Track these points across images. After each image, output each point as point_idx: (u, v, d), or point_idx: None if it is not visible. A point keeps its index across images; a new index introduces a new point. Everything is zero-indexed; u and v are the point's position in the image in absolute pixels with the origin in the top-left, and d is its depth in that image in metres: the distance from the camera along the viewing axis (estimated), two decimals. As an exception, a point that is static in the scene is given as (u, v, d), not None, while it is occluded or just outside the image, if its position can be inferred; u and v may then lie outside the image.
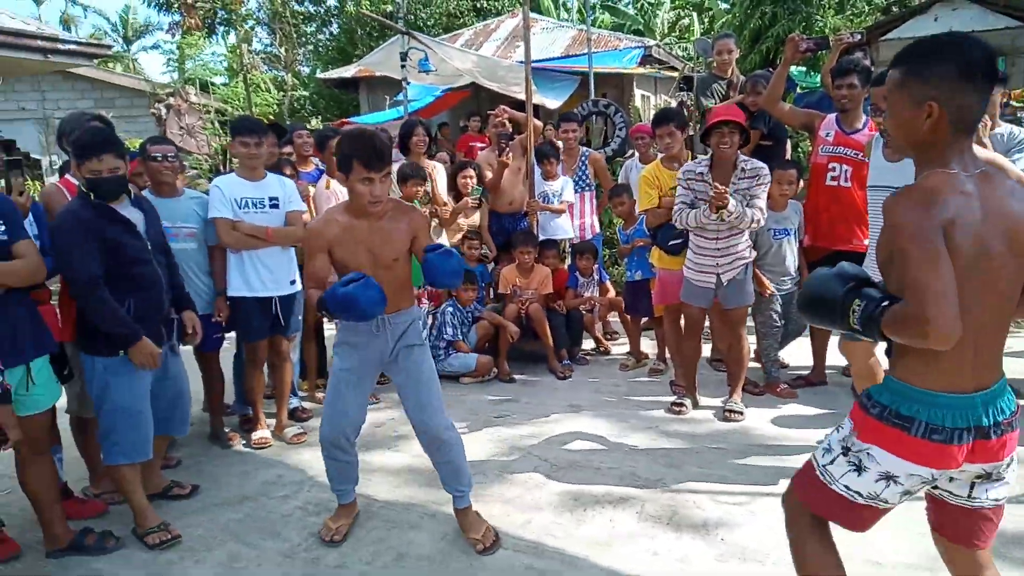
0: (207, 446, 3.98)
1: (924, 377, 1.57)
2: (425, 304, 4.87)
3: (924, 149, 1.59)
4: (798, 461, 3.34)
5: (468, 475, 2.87)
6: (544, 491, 3.25)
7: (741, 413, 3.98)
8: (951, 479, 1.67)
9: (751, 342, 4.26)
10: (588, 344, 5.57)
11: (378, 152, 2.53)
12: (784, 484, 3.10)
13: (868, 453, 1.65)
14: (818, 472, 1.76)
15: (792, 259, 4.28)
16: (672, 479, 3.30)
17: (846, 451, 1.70)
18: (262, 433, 3.92)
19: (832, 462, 1.72)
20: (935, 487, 1.71)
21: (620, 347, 5.61)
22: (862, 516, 1.71)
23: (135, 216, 2.92)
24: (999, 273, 1.53)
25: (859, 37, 5.08)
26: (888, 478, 1.62)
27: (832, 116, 4.24)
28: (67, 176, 3.33)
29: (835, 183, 4.16)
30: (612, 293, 5.62)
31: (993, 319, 1.57)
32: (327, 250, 2.64)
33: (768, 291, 4.20)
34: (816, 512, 1.79)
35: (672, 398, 4.24)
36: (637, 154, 5.77)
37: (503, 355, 5.04)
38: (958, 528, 1.72)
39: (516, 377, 4.98)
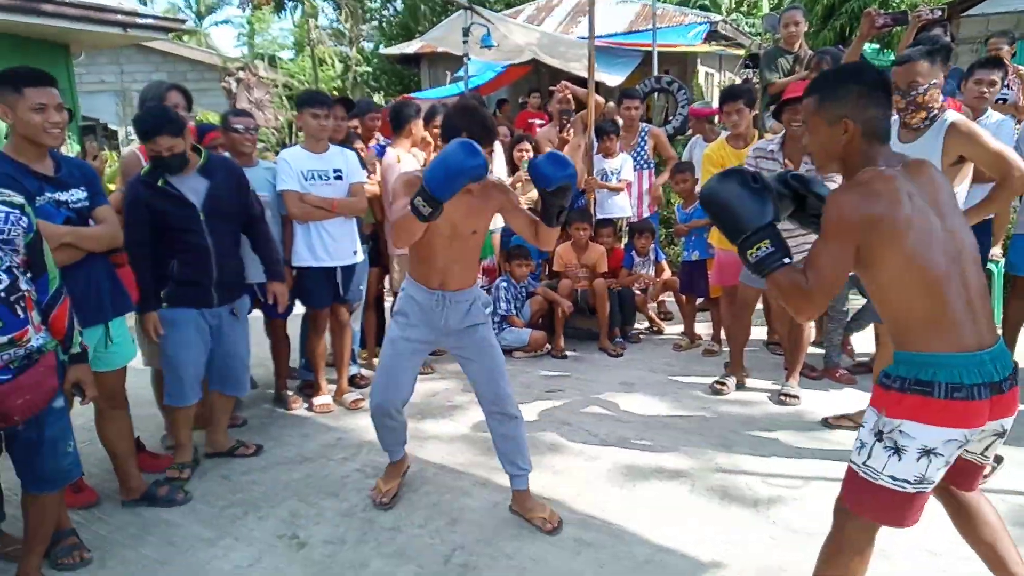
0: (272, 408, 4.14)
1: (933, 342, 1.68)
2: (480, 279, 4.93)
3: (846, 160, 1.82)
4: (849, 445, 3.31)
5: (528, 456, 2.87)
6: (594, 465, 3.28)
7: (797, 397, 3.93)
8: (974, 442, 1.75)
9: (811, 326, 4.18)
10: (642, 324, 5.55)
11: (488, 128, 2.57)
12: (835, 469, 3.09)
13: (900, 430, 1.68)
14: (860, 473, 1.77)
15: None
16: (723, 459, 3.29)
17: (880, 436, 1.72)
18: (324, 399, 4.05)
19: (870, 456, 1.75)
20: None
21: (674, 327, 5.57)
22: (913, 506, 1.73)
23: (198, 186, 3.07)
24: (956, 239, 1.72)
25: (939, 14, 4.86)
26: (927, 452, 1.66)
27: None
28: None
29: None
30: (668, 273, 5.57)
31: (972, 280, 1.72)
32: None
33: None
34: (867, 516, 1.80)
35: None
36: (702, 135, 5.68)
37: (559, 331, 5.07)
38: (963, 477, 1.86)
39: (568, 353, 5.01)
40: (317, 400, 4.04)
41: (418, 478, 3.20)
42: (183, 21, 9.39)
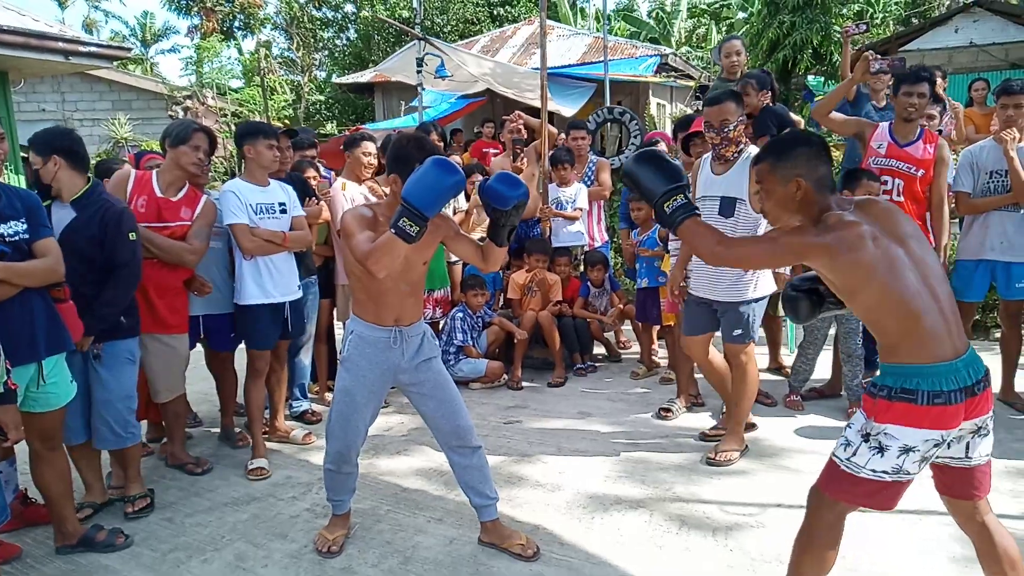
0: (219, 446, 3.99)
1: (916, 355, 1.86)
2: (428, 311, 4.87)
3: (802, 213, 2.03)
4: (807, 471, 3.35)
5: (493, 484, 2.82)
6: (553, 498, 3.24)
7: (753, 425, 3.95)
8: (953, 442, 1.90)
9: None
10: (600, 350, 5.56)
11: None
12: (793, 494, 3.10)
13: (886, 433, 1.86)
14: (843, 467, 1.94)
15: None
16: (681, 488, 3.28)
17: (867, 437, 1.90)
18: (260, 462, 3.62)
19: (855, 453, 1.91)
20: (938, 457, 1.93)
21: (632, 355, 5.59)
22: (890, 493, 1.90)
23: (65, 216, 2.95)
24: (922, 259, 1.92)
25: (864, 28, 5.03)
26: (907, 450, 1.84)
27: (884, 126, 4.03)
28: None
29: (886, 197, 3.89)
30: (622, 303, 5.60)
31: (941, 295, 1.91)
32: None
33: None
34: (846, 501, 1.96)
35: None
36: None
37: (517, 362, 5.03)
38: (961, 486, 1.98)
39: (525, 384, 4.97)
40: (253, 463, 3.61)
41: (371, 516, 3.10)
42: (128, 49, 9.17)
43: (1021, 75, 9.03)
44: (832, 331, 4.24)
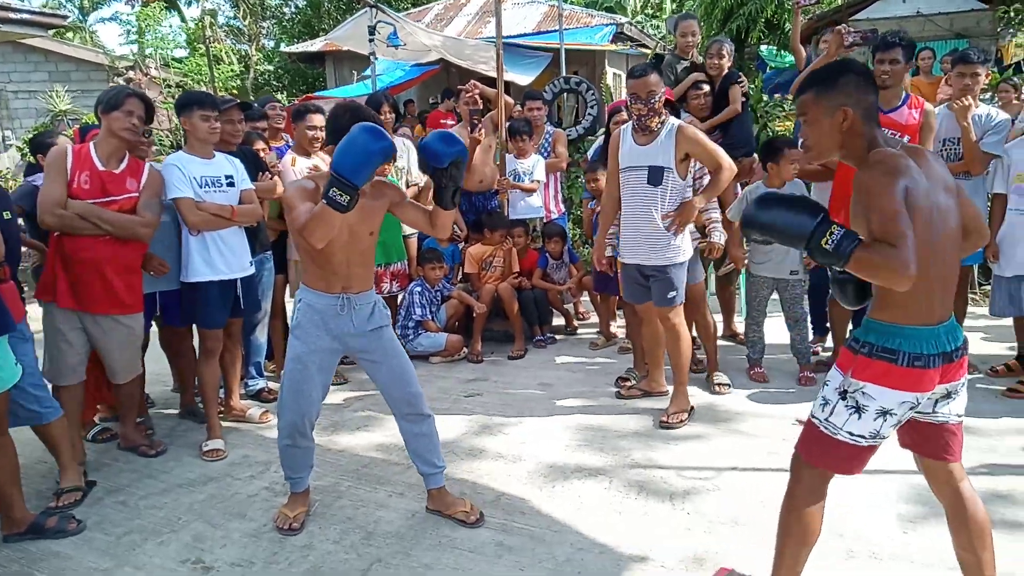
0: (174, 425, 3.91)
1: (903, 315, 1.84)
2: (386, 285, 4.82)
3: (849, 146, 1.93)
4: (761, 435, 3.44)
5: (441, 453, 2.87)
6: (514, 468, 3.26)
7: (728, 384, 4.09)
8: (923, 401, 1.90)
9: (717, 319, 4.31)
10: (559, 321, 5.58)
11: (375, 124, 2.48)
12: (747, 458, 3.18)
13: (863, 391, 1.86)
14: (821, 428, 1.94)
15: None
16: (639, 455, 3.33)
17: (844, 395, 1.90)
18: (215, 443, 3.56)
19: (832, 412, 1.92)
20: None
21: (591, 326, 5.63)
22: (863, 458, 1.93)
23: None
24: (948, 221, 1.87)
25: (815, 0, 5.04)
26: (884, 413, 1.85)
27: None
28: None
29: None
30: (581, 274, 5.62)
31: (951, 260, 1.90)
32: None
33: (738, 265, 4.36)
34: (822, 466, 1.97)
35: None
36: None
37: (477, 335, 5.03)
38: (928, 443, 2.00)
39: (485, 357, 4.98)
40: (208, 444, 3.55)
41: (331, 492, 3.08)
42: (64, 17, 8.74)
43: (965, 44, 9.23)
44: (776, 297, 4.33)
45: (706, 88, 4.79)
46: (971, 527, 1.96)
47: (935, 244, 1.81)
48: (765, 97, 7.73)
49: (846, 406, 1.89)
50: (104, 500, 3.10)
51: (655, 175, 3.54)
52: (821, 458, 1.96)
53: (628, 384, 4.19)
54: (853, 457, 1.92)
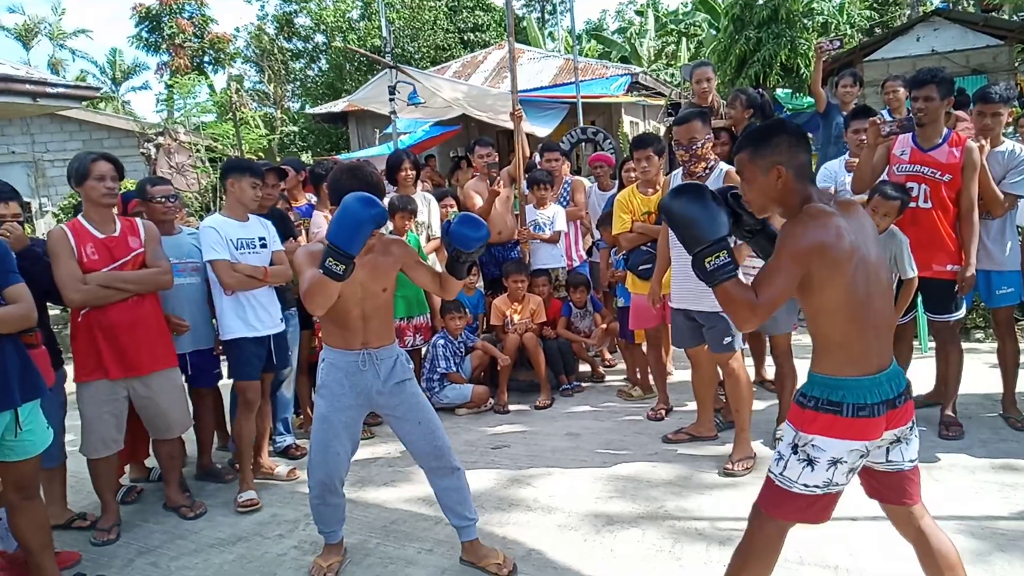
0: (199, 486, 3.92)
1: (843, 367, 1.91)
2: (409, 338, 4.84)
3: (784, 202, 2.02)
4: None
5: (472, 505, 2.85)
6: (545, 520, 3.20)
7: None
8: (873, 449, 1.95)
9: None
10: (585, 368, 5.54)
11: (373, 186, 2.57)
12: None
13: (813, 444, 1.92)
14: (777, 483, 1.99)
15: None
16: (672, 504, 3.26)
17: (795, 449, 1.95)
18: (249, 495, 3.59)
19: (786, 467, 1.97)
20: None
21: (617, 373, 5.58)
22: (822, 505, 1.96)
23: None
24: (879, 273, 1.95)
25: (838, 45, 5.11)
26: (835, 462, 1.90)
27: (906, 135, 3.81)
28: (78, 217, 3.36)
29: (914, 204, 3.71)
30: (606, 322, 5.58)
31: (883, 309, 1.97)
32: None
33: None
34: (783, 518, 2.00)
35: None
36: (597, 181, 6.02)
37: (503, 385, 5.00)
38: (889, 491, 2.04)
39: (512, 407, 4.94)
40: (243, 496, 3.58)
41: (360, 550, 3.05)
42: (97, 89, 9.14)
43: (983, 80, 9.24)
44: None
45: (724, 136, 4.82)
46: (939, 561, 1.98)
47: (865, 296, 1.89)
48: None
49: (798, 460, 1.94)
50: (135, 561, 3.09)
51: None
52: (780, 509, 2.00)
53: (676, 433, 4.07)
54: (811, 506, 1.96)
